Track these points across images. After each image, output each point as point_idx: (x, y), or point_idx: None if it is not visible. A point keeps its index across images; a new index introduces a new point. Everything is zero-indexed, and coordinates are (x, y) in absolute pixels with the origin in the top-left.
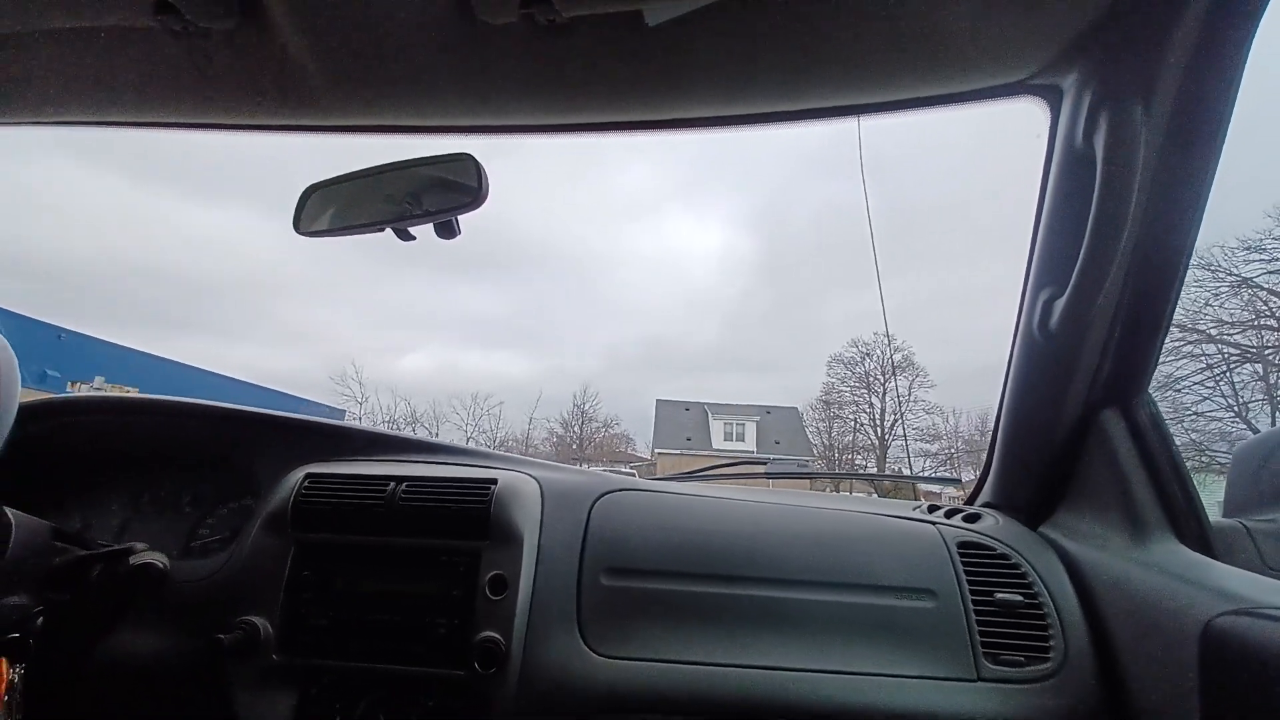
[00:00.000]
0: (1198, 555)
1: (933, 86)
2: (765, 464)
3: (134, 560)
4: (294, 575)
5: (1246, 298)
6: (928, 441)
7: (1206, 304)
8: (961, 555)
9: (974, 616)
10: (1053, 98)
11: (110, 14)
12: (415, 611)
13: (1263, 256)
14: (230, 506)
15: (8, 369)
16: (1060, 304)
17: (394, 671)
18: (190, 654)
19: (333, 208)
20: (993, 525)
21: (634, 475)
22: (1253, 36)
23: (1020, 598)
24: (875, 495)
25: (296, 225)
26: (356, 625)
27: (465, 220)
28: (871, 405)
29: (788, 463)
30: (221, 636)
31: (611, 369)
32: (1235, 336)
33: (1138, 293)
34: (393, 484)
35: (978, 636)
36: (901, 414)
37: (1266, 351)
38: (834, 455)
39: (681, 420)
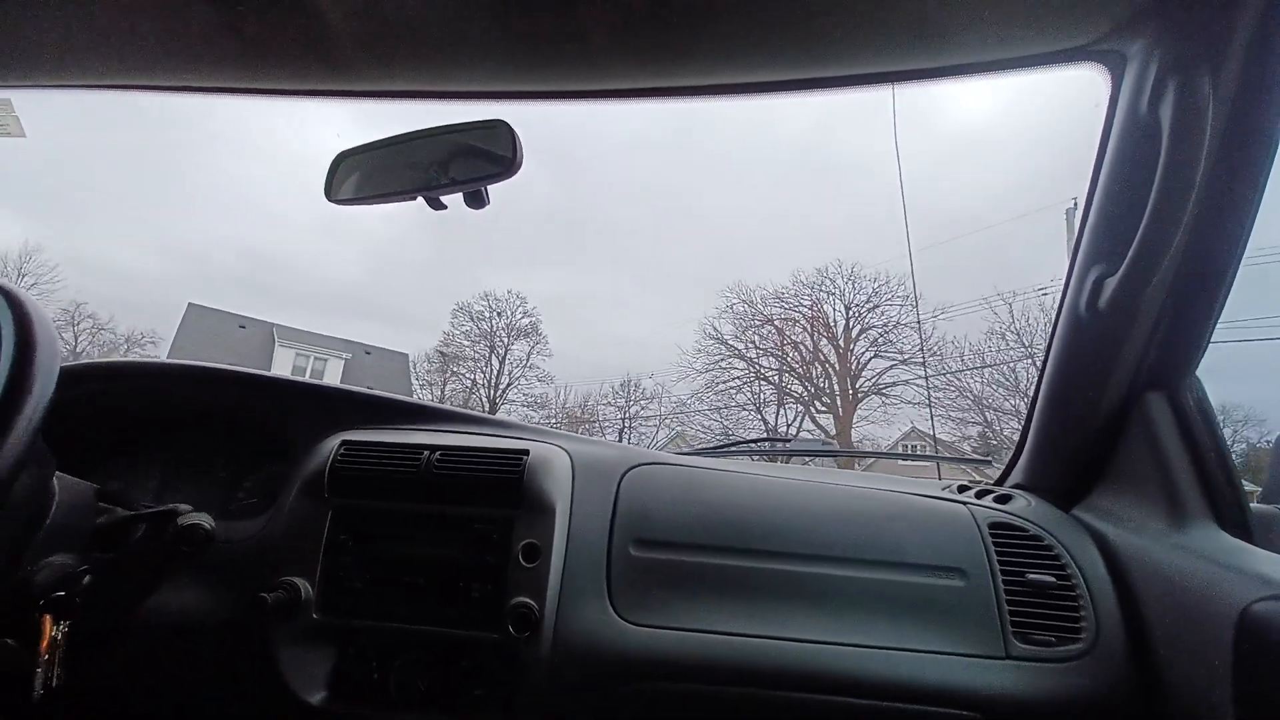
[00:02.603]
0: (1237, 540)
1: (984, 52)
2: (789, 441)
3: (182, 521)
4: (332, 539)
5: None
6: (536, 409)
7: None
8: (993, 535)
9: (1004, 596)
10: (1116, 65)
11: None
12: (450, 576)
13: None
14: (262, 472)
15: (46, 334)
16: (1112, 282)
17: (429, 633)
18: (233, 613)
19: (363, 176)
20: (1024, 506)
21: None
22: None
23: (1052, 579)
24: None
25: (328, 193)
26: (393, 588)
27: None
28: (491, 366)
29: None
30: (265, 595)
31: (185, 277)
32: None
33: (1193, 272)
34: (427, 452)
35: (1008, 616)
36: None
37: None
38: None
39: (229, 340)
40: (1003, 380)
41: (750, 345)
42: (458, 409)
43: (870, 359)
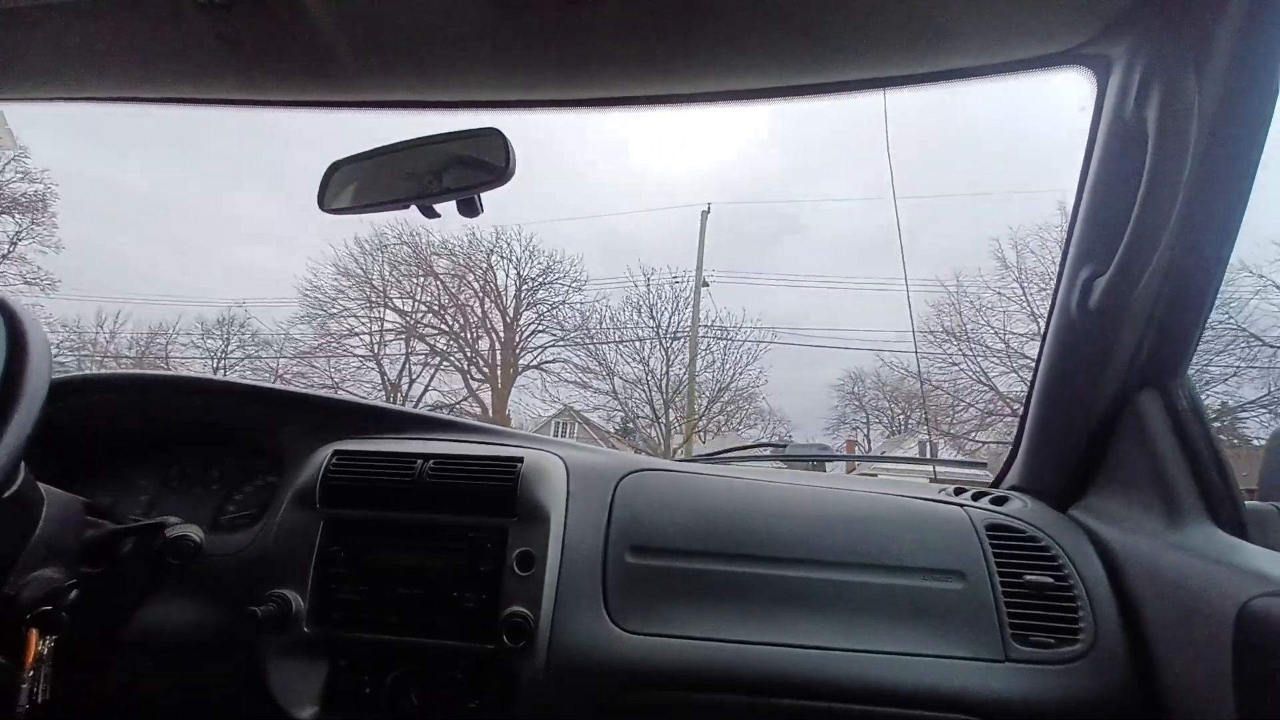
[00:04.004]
0: (1233, 538)
1: (971, 57)
2: (784, 447)
3: (170, 533)
4: (324, 550)
5: None
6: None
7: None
8: (990, 537)
9: (1002, 598)
10: (1101, 68)
11: None
12: (444, 586)
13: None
14: (255, 484)
15: (39, 345)
16: (1102, 282)
17: (423, 645)
18: (222, 627)
19: (358, 185)
20: (1021, 508)
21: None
22: None
23: (1050, 580)
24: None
25: (321, 202)
26: (386, 599)
27: None
28: None
29: None
30: (255, 609)
31: None
32: None
33: (1183, 271)
34: (420, 461)
35: (1006, 618)
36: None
37: None
38: None
39: None
40: (635, 355)
41: (406, 296)
42: (452, 417)
43: (533, 333)
